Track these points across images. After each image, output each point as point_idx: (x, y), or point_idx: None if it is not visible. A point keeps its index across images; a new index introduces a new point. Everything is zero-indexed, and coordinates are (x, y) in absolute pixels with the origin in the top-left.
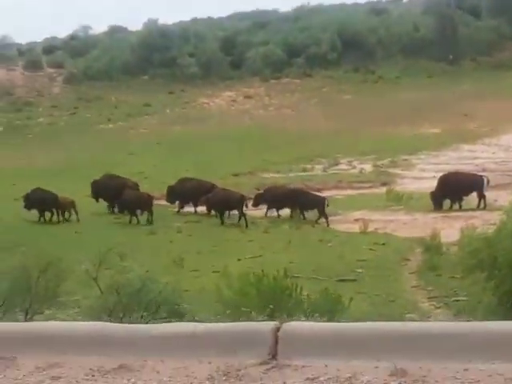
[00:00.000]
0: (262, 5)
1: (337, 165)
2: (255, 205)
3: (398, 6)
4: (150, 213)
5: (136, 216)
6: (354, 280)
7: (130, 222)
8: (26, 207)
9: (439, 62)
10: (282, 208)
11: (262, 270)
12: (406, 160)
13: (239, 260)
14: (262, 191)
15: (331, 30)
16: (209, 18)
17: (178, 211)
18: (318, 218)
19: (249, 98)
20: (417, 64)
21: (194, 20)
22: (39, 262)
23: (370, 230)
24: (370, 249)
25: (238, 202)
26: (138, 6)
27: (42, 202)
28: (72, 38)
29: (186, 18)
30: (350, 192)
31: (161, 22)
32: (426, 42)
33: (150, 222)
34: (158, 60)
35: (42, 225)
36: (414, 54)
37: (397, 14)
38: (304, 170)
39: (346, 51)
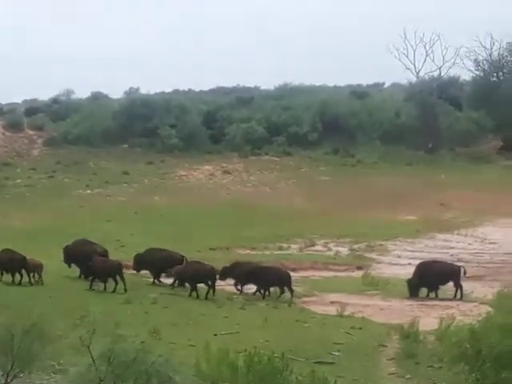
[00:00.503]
0: (243, 81)
1: (313, 245)
2: (222, 278)
3: (379, 92)
4: (122, 280)
5: (105, 282)
6: (332, 363)
7: (105, 288)
8: None
9: (418, 150)
10: (247, 283)
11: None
12: (381, 245)
13: (215, 335)
14: (228, 265)
15: (313, 111)
16: (190, 90)
17: (153, 282)
18: (291, 296)
19: (227, 173)
20: (396, 150)
21: (176, 91)
22: (23, 324)
23: (346, 313)
24: (347, 332)
25: (209, 275)
26: (119, 74)
27: (11, 263)
28: (54, 101)
29: (168, 88)
30: (325, 273)
31: (142, 91)
32: (407, 128)
33: (124, 290)
34: (139, 129)
35: (14, 287)
36: (393, 140)
37: (379, 99)
38: (280, 249)
39: (326, 132)
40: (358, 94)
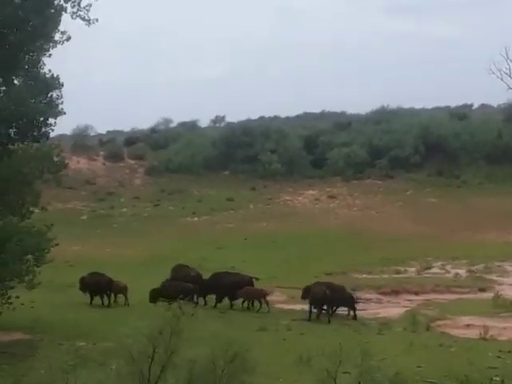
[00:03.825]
0: (329, 106)
1: (430, 268)
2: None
3: (469, 112)
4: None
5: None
6: None
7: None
8: (80, 289)
9: None
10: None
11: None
12: (499, 266)
13: None
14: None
15: (413, 133)
16: (275, 117)
17: (215, 306)
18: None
19: (333, 198)
20: (500, 170)
21: (261, 118)
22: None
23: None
24: (498, 356)
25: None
26: (205, 102)
27: (97, 285)
28: (153, 130)
29: (253, 116)
30: (448, 296)
31: (228, 119)
32: (510, 149)
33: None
34: (240, 156)
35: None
36: (497, 160)
37: (478, 120)
38: (397, 272)
39: (428, 154)
40: (459, 115)
